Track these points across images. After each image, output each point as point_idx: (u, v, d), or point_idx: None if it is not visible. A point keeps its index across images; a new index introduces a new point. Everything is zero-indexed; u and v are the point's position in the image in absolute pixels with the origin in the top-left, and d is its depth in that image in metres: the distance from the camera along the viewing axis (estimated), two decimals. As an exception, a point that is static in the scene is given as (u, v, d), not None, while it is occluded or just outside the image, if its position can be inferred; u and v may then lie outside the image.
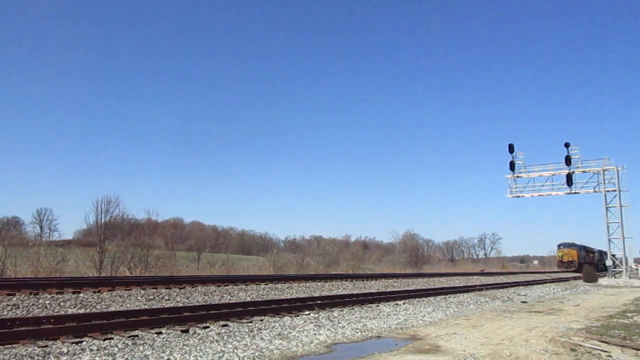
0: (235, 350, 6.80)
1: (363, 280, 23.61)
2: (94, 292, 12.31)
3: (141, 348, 6.74)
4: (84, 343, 6.83)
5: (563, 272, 57.71)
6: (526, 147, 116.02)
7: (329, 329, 9.04)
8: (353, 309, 12.53)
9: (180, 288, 14.34)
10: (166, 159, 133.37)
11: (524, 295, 20.18)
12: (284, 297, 14.29)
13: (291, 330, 8.70)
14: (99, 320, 8.24)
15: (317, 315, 10.96)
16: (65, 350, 6.39)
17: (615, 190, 35.55)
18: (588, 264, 60.71)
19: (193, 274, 30.06)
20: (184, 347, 6.93)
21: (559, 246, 64.61)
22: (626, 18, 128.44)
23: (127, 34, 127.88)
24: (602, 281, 34.45)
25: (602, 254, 69.34)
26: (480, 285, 24.01)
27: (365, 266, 54.62)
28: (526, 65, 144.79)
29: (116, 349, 6.64)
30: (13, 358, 5.89)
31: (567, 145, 36.89)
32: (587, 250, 64.77)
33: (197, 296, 13.40)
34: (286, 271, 36.13)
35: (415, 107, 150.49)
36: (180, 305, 11.51)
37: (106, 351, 6.46)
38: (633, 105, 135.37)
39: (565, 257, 61.67)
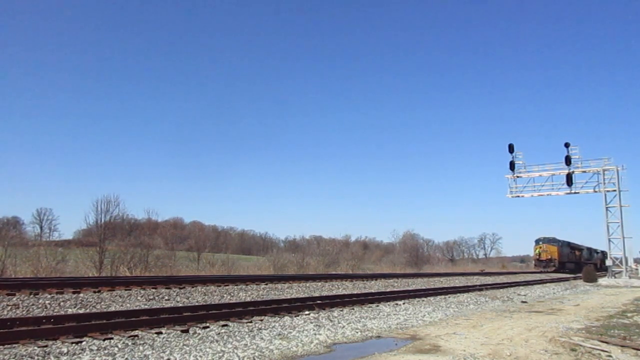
0: (235, 350, 6.80)
1: (363, 280, 23.60)
2: (94, 292, 12.31)
3: (141, 348, 6.74)
4: (84, 343, 6.83)
5: (541, 272, 50.54)
6: (526, 147, 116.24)
7: (329, 329, 9.04)
8: (353, 309, 12.53)
9: (180, 288, 14.34)
10: (166, 159, 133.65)
11: (524, 295, 20.17)
12: (284, 297, 14.28)
13: (291, 330, 8.70)
14: (99, 320, 8.22)
15: (317, 315, 10.96)
16: (65, 350, 6.39)
17: (615, 190, 35.54)
18: (573, 263, 55.17)
19: (193, 274, 30.06)
20: (184, 347, 6.93)
21: (536, 241, 55.26)
22: (626, 18, 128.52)
23: (126, 34, 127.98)
24: (602, 281, 34.44)
25: (592, 252, 62.93)
26: (480, 285, 24.00)
27: (365, 266, 54.58)
28: (526, 65, 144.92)
29: (116, 349, 6.64)
30: (13, 358, 5.88)
31: (567, 145, 36.88)
32: (571, 247, 57.34)
33: (197, 296, 13.40)
34: (286, 271, 36.12)
35: (415, 107, 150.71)
36: (180, 305, 11.50)
37: (106, 351, 6.46)
38: (633, 105, 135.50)
39: (544, 254, 53.37)
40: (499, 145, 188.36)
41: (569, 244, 56.99)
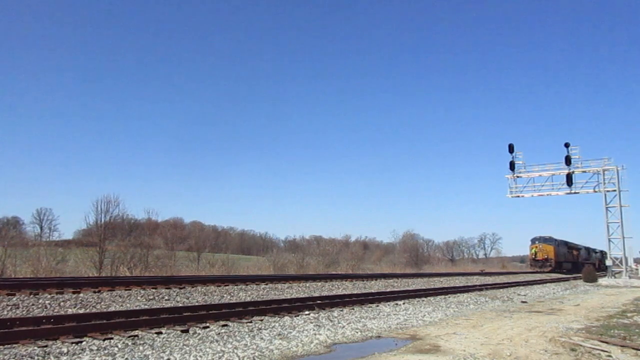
0: (235, 350, 6.80)
1: (363, 280, 23.60)
2: (94, 292, 12.31)
3: (141, 348, 6.74)
4: (84, 343, 6.83)
5: (536, 272, 49.61)
6: (526, 147, 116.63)
7: (329, 329, 9.04)
8: (353, 309, 12.53)
9: (180, 288, 14.34)
10: (166, 159, 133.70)
11: (524, 295, 20.17)
12: (284, 297, 14.29)
13: (291, 330, 8.70)
14: (99, 320, 8.23)
15: (317, 315, 10.96)
16: (65, 350, 6.39)
17: (615, 190, 35.54)
18: (570, 263, 54.22)
19: (193, 274, 30.07)
20: (184, 347, 6.93)
21: (532, 241, 54.41)
22: (626, 18, 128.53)
23: (127, 34, 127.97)
24: (602, 281, 34.44)
25: (590, 251, 62.06)
26: (480, 285, 24.00)
27: (365, 266, 54.59)
28: (526, 65, 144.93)
29: (116, 349, 6.64)
30: (13, 358, 5.88)
31: (567, 145, 36.89)
32: (569, 246, 56.09)
33: (197, 296, 13.40)
34: (286, 271, 36.14)
35: (415, 107, 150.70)
36: (180, 305, 11.51)
37: (106, 351, 6.46)
38: (633, 105, 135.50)
39: (540, 253, 52.22)
40: (499, 145, 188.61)
41: (566, 243, 55.92)
